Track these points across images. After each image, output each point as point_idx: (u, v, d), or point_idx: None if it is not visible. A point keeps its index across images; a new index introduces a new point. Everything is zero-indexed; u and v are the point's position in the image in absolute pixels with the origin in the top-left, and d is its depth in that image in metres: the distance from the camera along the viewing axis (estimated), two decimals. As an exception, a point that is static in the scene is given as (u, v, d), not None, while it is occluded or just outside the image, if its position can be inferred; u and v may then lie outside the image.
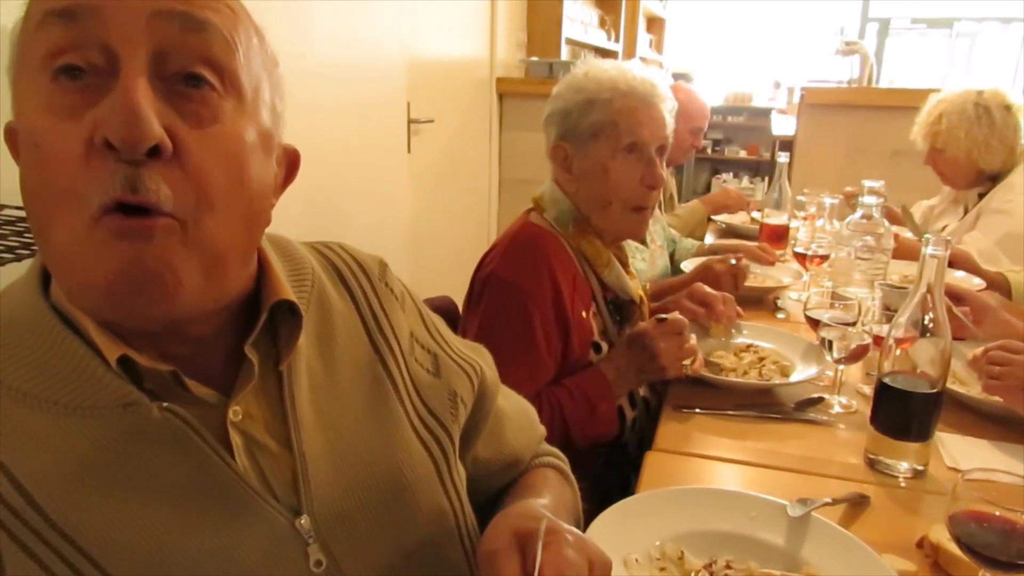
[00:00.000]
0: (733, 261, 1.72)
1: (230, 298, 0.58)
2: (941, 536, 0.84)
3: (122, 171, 0.48)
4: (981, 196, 2.25)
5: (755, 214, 2.67)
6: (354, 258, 0.73)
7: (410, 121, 2.69)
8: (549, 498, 0.78)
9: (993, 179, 2.22)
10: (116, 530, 0.50)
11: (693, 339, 1.29)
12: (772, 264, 2.04)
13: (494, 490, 0.83)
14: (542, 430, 0.92)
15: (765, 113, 6.91)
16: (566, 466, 0.90)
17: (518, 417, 0.87)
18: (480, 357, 0.81)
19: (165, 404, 0.52)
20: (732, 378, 1.33)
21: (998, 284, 1.79)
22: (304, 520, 0.58)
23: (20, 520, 0.49)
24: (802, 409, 1.25)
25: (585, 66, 1.36)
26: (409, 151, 2.72)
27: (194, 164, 0.50)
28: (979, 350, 1.16)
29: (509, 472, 0.85)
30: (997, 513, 0.71)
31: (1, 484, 0.49)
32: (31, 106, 0.50)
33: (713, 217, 2.77)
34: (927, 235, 0.99)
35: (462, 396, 0.74)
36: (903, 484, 1.03)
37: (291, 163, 0.63)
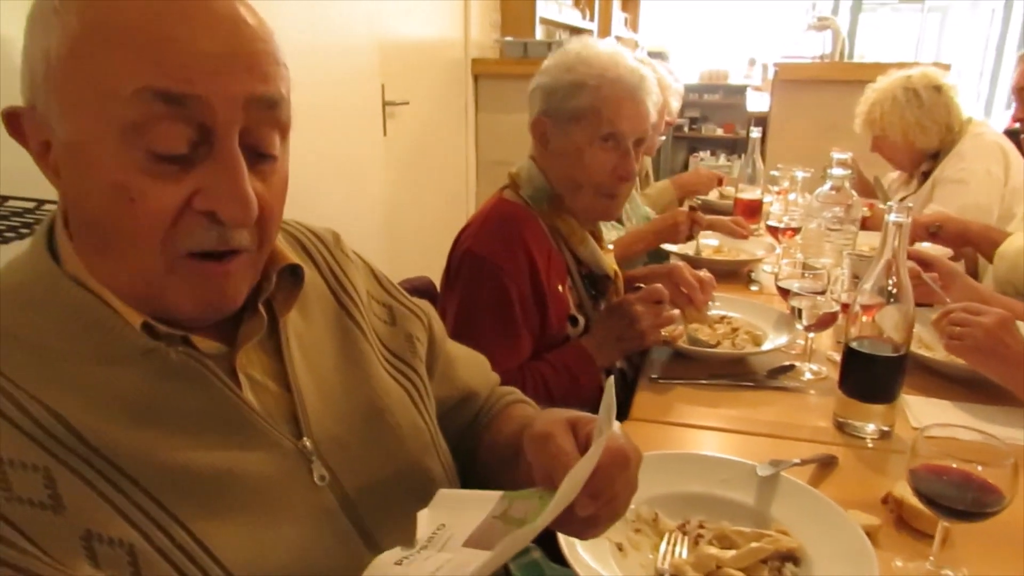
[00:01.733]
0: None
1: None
2: (904, 491, 0.87)
3: (216, 231, 0.58)
4: (926, 175, 2.31)
5: (728, 189, 2.70)
6: (311, 230, 0.82)
7: (385, 103, 2.68)
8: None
9: (934, 156, 2.29)
10: (147, 454, 0.57)
11: (674, 310, 1.32)
12: (746, 238, 2.07)
13: (457, 426, 0.89)
14: (496, 376, 0.99)
15: (741, 90, 6.94)
16: (532, 405, 0.95)
17: (468, 358, 0.95)
18: (429, 310, 0.91)
19: (181, 348, 0.61)
20: (706, 348, 1.36)
21: (987, 237, 1.84)
22: (306, 442, 0.67)
23: (65, 447, 0.54)
24: (774, 376, 1.28)
25: (580, 45, 1.35)
26: (385, 134, 2.71)
27: (268, 215, 0.61)
28: (941, 311, 1.19)
29: (468, 406, 0.91)
30: (953, 466, 0.74)
31: (44, 418, 0.55)
32: (121, 162, 0.55)
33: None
34: (890, 203, 1.02)
35: (417, 335, 0.84)
36: (870, 445, 1.07)
37: None
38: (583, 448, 0.59)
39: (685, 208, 2.31)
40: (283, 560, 0.61)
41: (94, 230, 0.59)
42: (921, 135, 2.24)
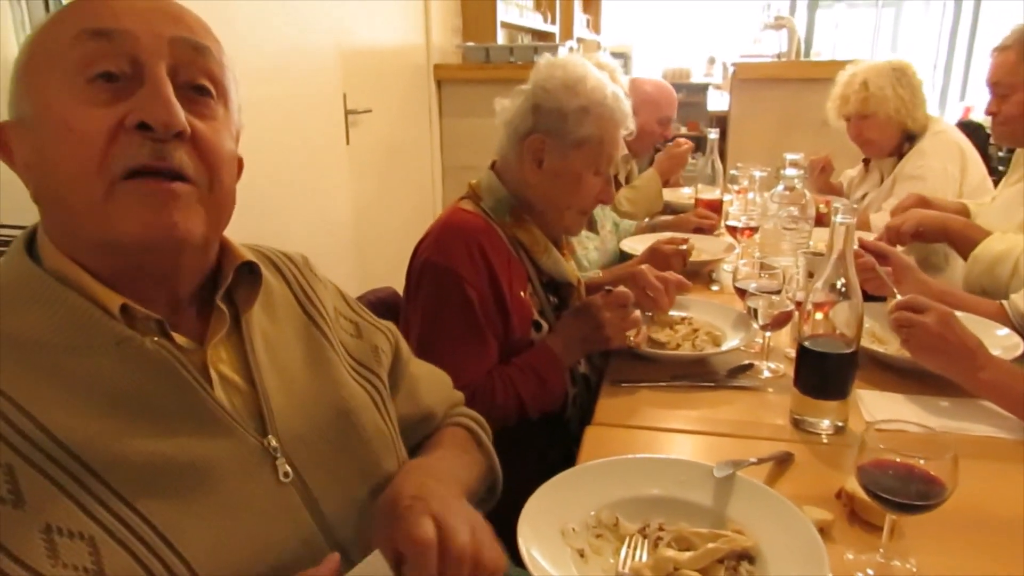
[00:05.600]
0: (684, 247, 1.78)
1: (213, 255, 0.73)
2: (856, 486, 0.89)
3: (149, 145, 0.62)
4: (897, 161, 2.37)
5: (685, 190, 2.74)
6: (282, 251, 0.87)
7: (347, 112, 2.67)
8: (440, 455, 0.88)
9: (911, 140, 2.35)
10: (114, 447, 0.60)
11: (637, 312, 1.34)
12: (714, 226, 2.10)
13: (415, 443, 0.92)
14: (458, 395, 1.03)
15: (703, 89, 7.02)
16: (479, 427, 0.99)
17: (431, 378, 0.99)
18: (396, 330, 0.96)
19: (156, 338, 0.65)
20: (667, 351, 1.38)
21: (962, 213, 1.92)
22: (271, 439, 0.69)
23: (31, 443, 0.57)
24: (733, 376, 1.31)
25: (573, 63, 1.36)
26: (348, 142, 2.71)
27: (205, 146, 0.65)
28: (892, 304, 1.22)
29: (426, 425, 0.95)
30: (898, 460, 0.77)
31: (12, 415, 0.57)
32: (63, 100, 0.62)
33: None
34: (836, 204, 1.05)
35: (383, 348, 0.89)
36: (825, 441, 1.10)
37: (240, 165, 0.76)
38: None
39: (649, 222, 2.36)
40: (245, 554, 0.63)
41: (53, 192, 0.64)
42: (914, 111, 2.30)
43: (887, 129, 2.35)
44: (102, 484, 0.58)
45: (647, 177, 2.62)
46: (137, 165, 0.61)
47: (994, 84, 1.85)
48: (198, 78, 0.67)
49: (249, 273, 0.75)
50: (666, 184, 2.66)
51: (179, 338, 0.68)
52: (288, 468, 0.69)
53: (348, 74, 2.65)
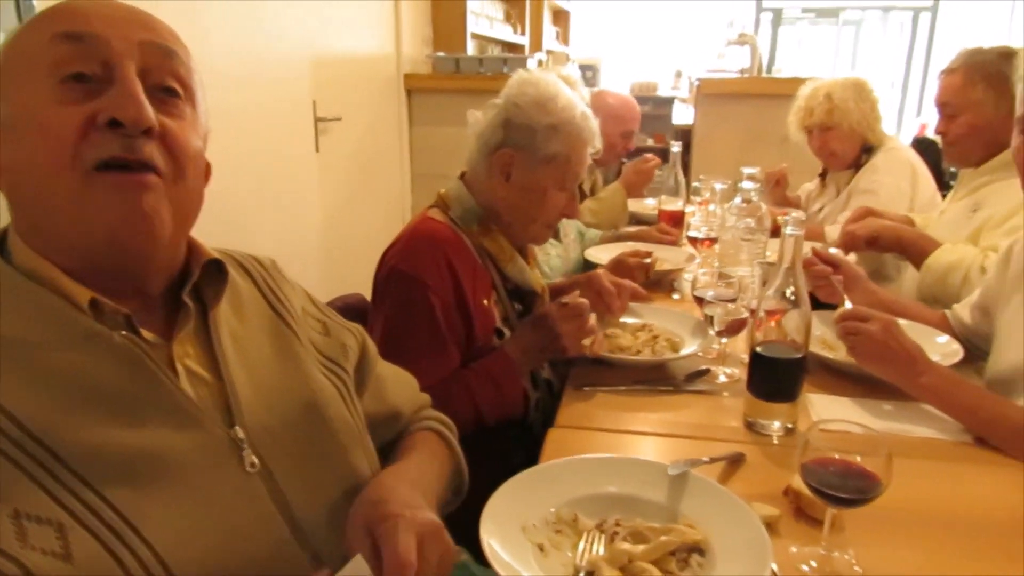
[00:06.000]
0: (648, 260, 1.84)
1: (181, 253, 0.76)
2: (801, 484, 0.94)
3: (119, 140, 0.64)
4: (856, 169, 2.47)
5: (649, 201, 2.80)
6: (250, 255, 0.90)
7: (317, 119, 2.69)
8: (416, 461, 0.90)
9: (869, 152, 2.44)
10: (83, 437, 0.62)
11: (593, 319, 1.38)
12: (674, 242, 2.16)
13: (381, 441, 0.93)
14: (425, 397, 1.06)
15: (669, 102, 7.12)
16: (447, 429, 1.02)
17: (397, 378, 1.02)
18: (363, 331, 0.98)
19: (123, 332, 0.67)
20: (627, 356, 1.43)
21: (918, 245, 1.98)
22: (238, 430, 0.71)
23: (1, 431, 0.59)
24: (691, 381, 1.36)
25: (551, 83, 1.40)
26: (317, 150, 2.72)
27: (174, 142, 0.68)
28: (837, 314, 1.29)
29: (393, 424, 0.98)
30: (837, 457, 0.82)
31: None
32: (37, 100, 0.65)
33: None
34: (786, 216, 1.11)
35: (350, 345, 0.92)
36: (776, 442, 1.15)
37: (207, 168, 0.79)
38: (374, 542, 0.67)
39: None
40: (211, 542, 0.65)
41: (25, 190, 0.66)
42: (874, 123, 2.40)
43: (849, 141, 2.44)
44: (70, 472, 0.60)
45: (612, 190, 2.68)
46: (108, 157, 0.64)
47: (942, 105, 1.94)
48: (166, 80, 0.70)
49: (217, 272, 0.78)
50: (631, 197, 2.72)
51: (146, 333, 0.70)
52: (254, 459, 0.71)
53: (318, 82, 2.67)
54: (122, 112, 0.64)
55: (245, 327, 0.80)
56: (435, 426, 1.01)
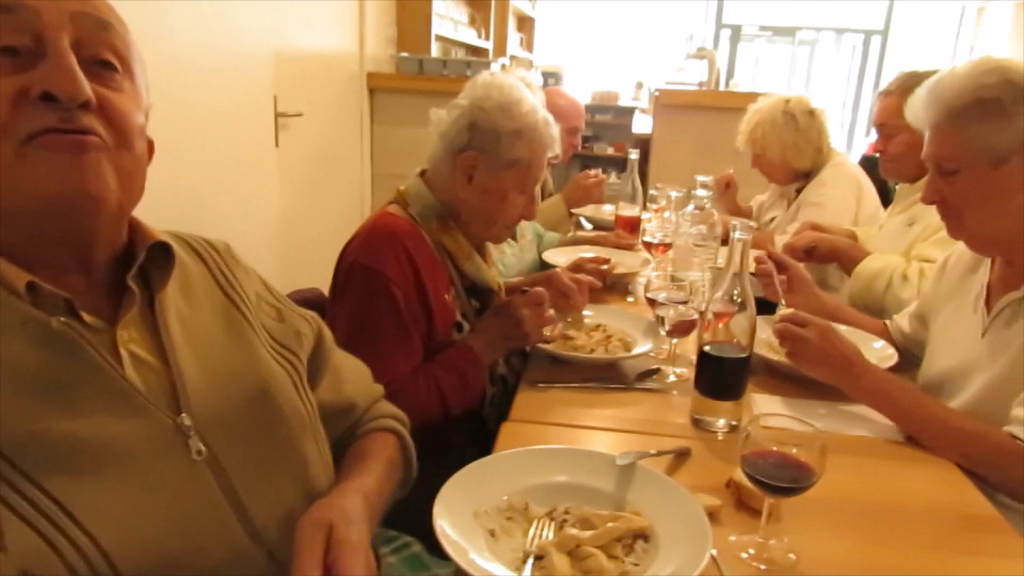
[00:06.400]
0: (605, 267, 1.90)
1: (124, 230, 0.74)
2: (742, 476, 0.99)
3: (55, 113, 0.62)
4: (799, 191, 2.57)
5: (607, 207, 2.86)
6: (203, 238, 0.88)
7: (277, 115, 2.67)
8: (376, 476, 0.87)
9: (807, 175, 2.55)
10: (23, 427, 0.60)
11: (552, 311, 1.42)
12: (630, 247, 2.22)
13: (335, 432, 0.93)
14: (379, 388, 1.06)
15: (630, 112, 7.24)
16: (401, 425, 1.02)
17: (353, 369, 1.01)
18: (319, 319, 0.97)
19: (62, 319, 0.64)
20: (581, 354, 1.46)
21: (850, 238, 2.13)
22: (184, 418, 0.70)
23: None
24: (642, 380, 1.40)
25: (515, 88, 1.42)
26: (277, 145, 2.71)
27: (113, 112, 0.66)
28: (776, 318, 1.34)
29: (347, 416, 0.97)
30: (774, 449, 0.87)
31: None
32: None
33: (575, 211, 2.92)
34: (734, 222, 1.15)
35: (305, 333, 0.91)
36: (720, 438, 1.20)
37: (150, 146, 0.76)
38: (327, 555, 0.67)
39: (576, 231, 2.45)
40: (156, 530, 0.64)
41: None
42: (797, 155, 2.49)
43: (775, 167, 2.57)
44: (7, 463, 0.59)
45: (552, 202, 2.72)
46: (42, 128, 0.62)
47: (880, 125, 2.04)
48: (102, 52, 0.67)
49: (163, 254, 0.76)
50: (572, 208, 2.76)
51: (88, 318, 0.67)
52: (201, 446, 0.70)
53: (280, 77, 2.65)
54: (55, 85, 0.62)
55: (194, 311, 0.78)
56: (390, 424, 1.00)
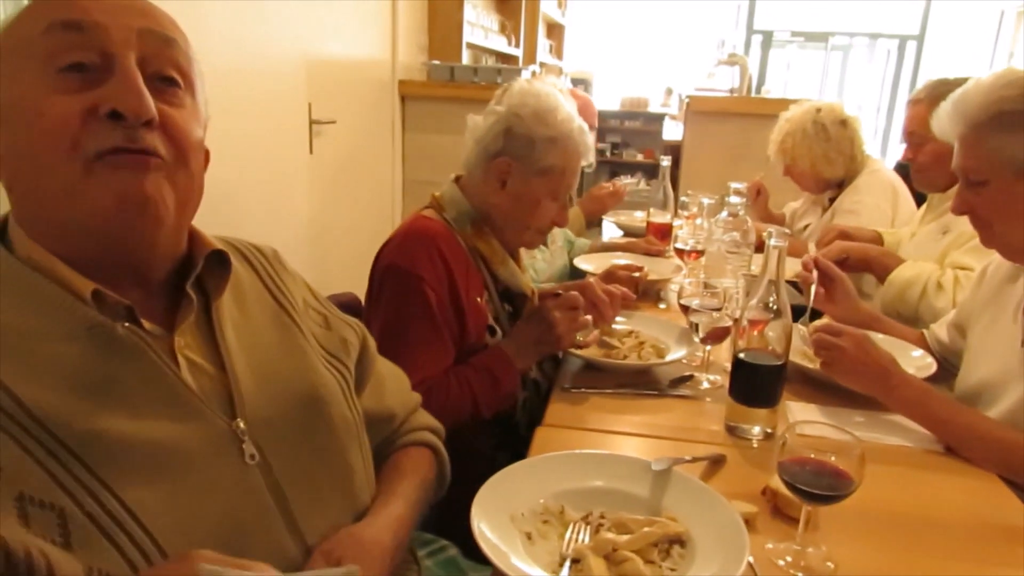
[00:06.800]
0: (638, 275, 1.90)
1: (183, 241, 0.76)
2: (779, 484, 0.98)
3: (121, 132, 0.65)
4: (832, 200, 2.54)
5: (639, 214, 2.85)
6: (252, 244, 0.91)
7: (312, 122, 2.72)
8: (410, 498, 0.89)
9: (839, 185, 2.52)
10: (87, 425, 0.62)
11: (587, 316, 1.42)
12: (661, 254, 2.21)
13: (374, 442, 0.94)
14: (416, 397, 1.08)
15: (660, 118, 7.23)
16: (436, 437, 1.04)
17: (394, 380, 1.04)
18: (363, 326, 0.99)
19: (127, 324, 0.67)
20: (615, 360, 1.47)
21: (875, 241, 2.12)
22: (239, 422, 0.72)
23: (8, 415, 0.59)
24: (675, 386, 1.40)
25: (551, 96, 1.43)
26: (311, 152, 2.75)
27: (175, 131, 0.69)
28: (810, 328, 1.33)
29: (387, 425, 1.00)
30: (812, 456, 0.86)
31: None
32: (35, 89, 0.65)
33: (606, 218, 2.92)
34: (769, 229, 1.15)
35: (350, 341, 0.93)
36: (755, 445, 1.19)
37: (206, 155, 0.79)
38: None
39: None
40: (208, 531, 0.66)
41: (24, 179, 0.66)
42: (827, 166, 2.46)
43: (805, 177, 2.55)
44: (76, 459, 0.60)
45: (570, 214, 2.72)
46: (109, 147, 0.64)
47: (909, 134, 2.02)
48: (166, 69, 0.70)
49: (219, 262, 0.78)
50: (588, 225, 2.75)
51: (147, 324, 0.70)
52: (254, 451, 0.72)
53: (314, 84, 2.70)
54: (123, 103, 0.64)
55: (247, 318, 0.80)
56: (428, 438, 1.02)
